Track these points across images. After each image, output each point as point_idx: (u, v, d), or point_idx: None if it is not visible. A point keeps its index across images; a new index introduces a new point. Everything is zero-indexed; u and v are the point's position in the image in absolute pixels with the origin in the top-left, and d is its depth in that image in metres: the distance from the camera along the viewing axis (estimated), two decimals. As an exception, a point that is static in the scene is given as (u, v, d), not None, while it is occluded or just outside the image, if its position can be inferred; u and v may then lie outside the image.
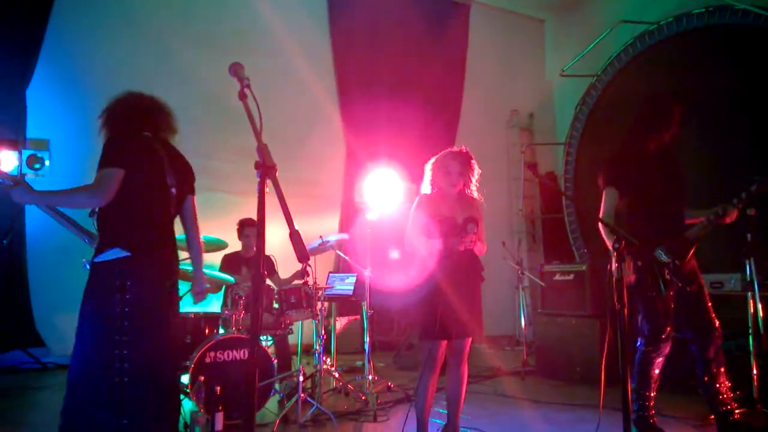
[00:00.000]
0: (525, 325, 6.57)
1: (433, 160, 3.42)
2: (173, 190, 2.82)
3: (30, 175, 6.25)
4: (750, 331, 3.95)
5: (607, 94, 7.40)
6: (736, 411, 3.43)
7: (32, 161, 6.26)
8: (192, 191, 3.02)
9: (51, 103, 6.66)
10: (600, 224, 3.37)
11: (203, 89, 6.61)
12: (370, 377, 4.86)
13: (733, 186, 3.50)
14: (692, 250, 3.50)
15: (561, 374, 5.58)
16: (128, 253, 2.59)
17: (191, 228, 3.04)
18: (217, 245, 4.95)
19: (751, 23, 5.79)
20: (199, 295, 3.15)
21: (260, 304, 1.76)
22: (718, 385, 3.45)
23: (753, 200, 3.43)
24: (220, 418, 3.78)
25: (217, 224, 5.43)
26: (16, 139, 6.43)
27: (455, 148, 3.39)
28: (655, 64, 6.83)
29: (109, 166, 2.60)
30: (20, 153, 6.25)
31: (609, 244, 2.83)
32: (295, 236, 1.73)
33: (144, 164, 2.73)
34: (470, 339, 3.26)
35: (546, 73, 9.42)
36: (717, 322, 3.48)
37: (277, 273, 5.47)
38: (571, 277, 5.80)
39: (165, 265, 2.78)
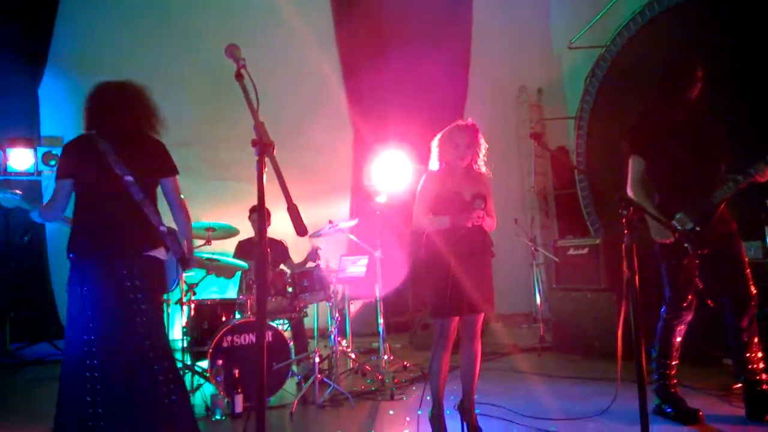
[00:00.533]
0: (540, 301, 6.57)
1: (439, 134, 3.40)
2: (128, 178, 2.81)
3: (47, 172, 6.37)
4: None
5: (617, 65, 7.28)
6: (765, 382, 3.37)
7: (48, 158, 6.38)
8: (165, 173, 2.96)
9: (63, 100, 6.74)
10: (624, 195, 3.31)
11: (212, 79, 6.64)
12: (386, 357, 4.90)
13: (748, 154, 3.38)
14: (718, 213, 3.37)
15: (578, 349, 5.57)
16: (71, 255, 2.78)
17: (173, 211, 3.02)
18: (230, 232, 5.00)
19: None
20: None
21: (265, 281, 1.78)
22: (749, 354, 3.39)
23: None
24: (239, 400, 3.86)
25: (229, 212, 5.51)
26: (31, 138, 6.56)
27: (462, 121, 3.36)
28: (666, 31, 6.69)
29: (56, 179, 2.87)
30: (35, 151, 6.36)
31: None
32: (292, 210, 1.75)
33: (81, 167, 2.85)
34: (482, 315, 3.26)
35: (553, 46, 9.28)
36: (754, 290, 3.38)
37: (291, 258, 5.52)
38: (586, 251, 5.76)
39: (122, 255, 2.78)
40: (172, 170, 2.99)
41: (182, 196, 3.02)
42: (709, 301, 3.49)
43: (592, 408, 3.66)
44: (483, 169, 3.37)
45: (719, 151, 3.49)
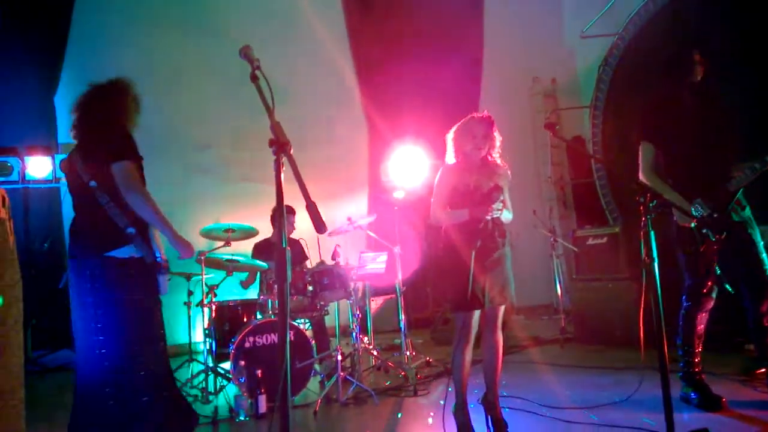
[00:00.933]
0: (561, 292, 6.52)
1: (455, 127, 3.39)
2: (92, 183, 2.81)
3: (64, 179, 6.45)
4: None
5: (630, 52, 7.19)
6: None
7: (65, 166, 6.44)
8: (110, 161, 2.79)
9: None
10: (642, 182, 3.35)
11: (230, 80, 6.67)
12: (408, 353, 4.90)
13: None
14: (734, 200, 3.36)
15: (600, 339, 5.53)
16: None
17: (126, 201, 2.81)
18: (248, 233, 5.02)
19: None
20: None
21: (285, 279, 1.78)
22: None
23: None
24: (263, 400, 3.88)
25: (249, 213, 5.54)
26: (48, 145, 6.63)
27: (477, 113, 3.36)
28: (680, 16, 6.59)
29: None
30: (53, 158, 6.44)
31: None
32: (311, 208, 1.75)
33: (67, 182, 2.99)
34: (502, 307, 3.24)
35: (566, 36, 9.20)
36: None
37: (309, 258, 5.52)
38: (605, 240, 5.73)
39: (84, 257, 2.80)
40: (115, 155, 2.78)
41: (138, 184, 2.81)
42: (728, 287, 3.47)
43: (616, 396, 3.65)
44: (499, 161, 3.35)
45: (729, 136, 3.49)
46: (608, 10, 7.47)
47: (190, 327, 5.14)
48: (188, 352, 5.15)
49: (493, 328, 3.25)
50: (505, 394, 3.71)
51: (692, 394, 3.45)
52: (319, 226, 1.77)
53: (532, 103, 9.16)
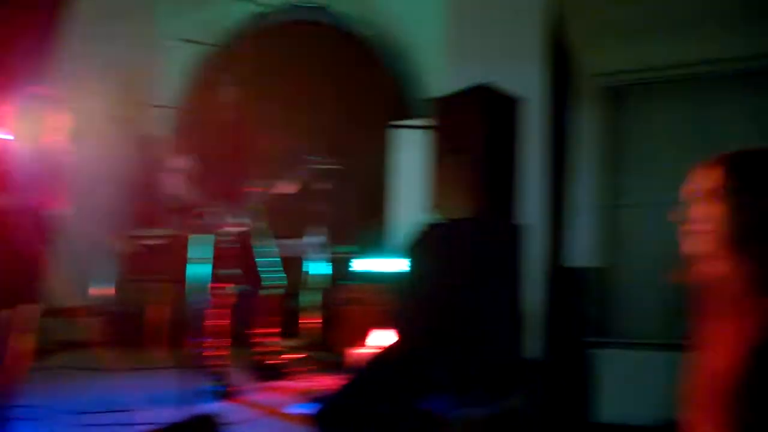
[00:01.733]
0: (107, 293, 6.29)
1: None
2: None
3: None
4: (300, 288, 4.88)
5: (217, 63, 7.59)
6: (268, 355, 4.20)
7: None
8: None
9: None
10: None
11: None
12: None
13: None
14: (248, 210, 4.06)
15: (144, 340, 5.59)
16: None
17: None
18: None
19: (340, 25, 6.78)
20: None
21: None
22: (253, 333, 4.14)
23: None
24: None
25: None
26: None
27: (38, 92, 3.06)
28: (265, 43, 7.31)
29: None
30: None
31: None
32: None
33: None
34: (24, 307, 2.96)
35: (157, 36, 9.11)
36: (267, 279, 4.13)
37: None
38: (158, 242, 5.95)
39: None
40: None
41: None
42: (243, 288, 4.10)
43: (148, 395, 3.76)
44: (60, 145, 3.10)
45: (252, 155, 4.21)
46: (206, 18, 7.76)
47: None
48: None
49: (15, 332, 2.94)
50: (27, 404, 3.33)
51: (214, 388, 3.81)
52: None
53: (114, 97, 8.68)
